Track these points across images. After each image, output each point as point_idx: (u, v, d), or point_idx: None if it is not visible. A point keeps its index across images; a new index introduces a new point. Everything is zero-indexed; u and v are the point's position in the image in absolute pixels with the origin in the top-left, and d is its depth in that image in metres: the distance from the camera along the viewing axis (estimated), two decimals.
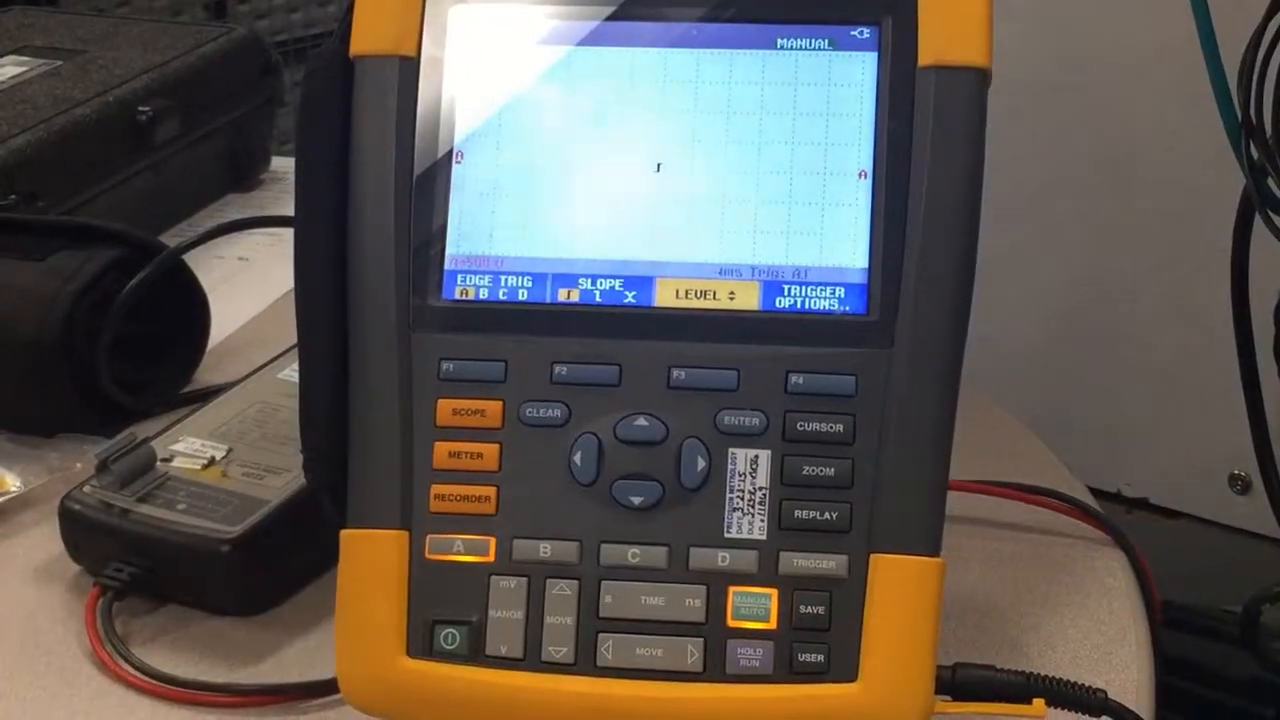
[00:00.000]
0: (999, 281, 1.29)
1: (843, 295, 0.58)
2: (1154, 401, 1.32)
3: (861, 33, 0.59)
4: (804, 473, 0.57)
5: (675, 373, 0.58)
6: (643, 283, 0.59)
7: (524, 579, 0.57)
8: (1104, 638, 0.69)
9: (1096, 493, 0.83)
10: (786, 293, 0.58)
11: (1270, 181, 0.78)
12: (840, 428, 0.57)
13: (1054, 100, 1.31)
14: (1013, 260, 1.33)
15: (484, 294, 0.59)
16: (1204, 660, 1.07)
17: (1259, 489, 0.94)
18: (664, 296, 0.59)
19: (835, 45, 0.59)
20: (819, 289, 0.58)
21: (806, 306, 0.58)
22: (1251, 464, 0.92)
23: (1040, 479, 0.78)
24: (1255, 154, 0.77)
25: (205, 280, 0.89)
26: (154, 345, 0.87)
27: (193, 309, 0.89)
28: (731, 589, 0.57)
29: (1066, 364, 1.37)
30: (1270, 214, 0.78)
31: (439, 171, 0.60)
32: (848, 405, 0.57)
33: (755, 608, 0.56)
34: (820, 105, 0.59)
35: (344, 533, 0.59)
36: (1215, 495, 1.29)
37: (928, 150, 0.57)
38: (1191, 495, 1.31)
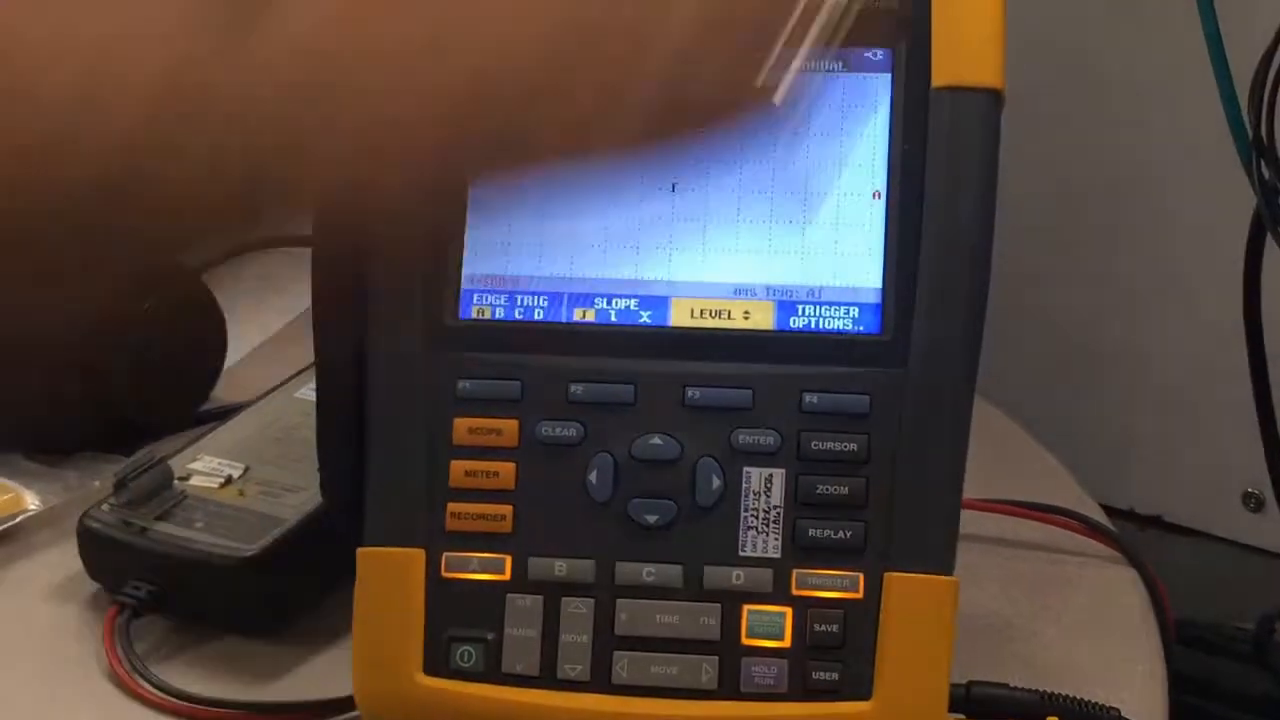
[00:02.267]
0: (1011, 298, 1.29)
1: (857, 315, 0.58)
2: (1167, 419, 1.32)
3: (875, 54, 0.59)
4: (818, 492, 0.57)
5: (690, 392, 0.58)
6: (658, 302, 0.59)
7: (540, 597, 0.57)
8: (1117, 656, 0.69)
9: (1109, 510, 0.83)
10: (801, 312, 0.59)
11: None
12: (854, 447, 0.57)
13: (1065, 119, 1.31)
14: (1025, 277, 1.34)
15: (500, 313, 0.60)
16: (1217, 678, 1.07)
17: (1272, 507, 0.94)
18: (679, 316, 0.59)
19: (849, 67, 0.59)
20: (833, 309, 0.58)
21: (821, 326, 0.58)
22: (1265, 482, 0.92)
23: (1053, 497, 0.78)
24: (1266, 173, 0.77)
25: (223, 299, 0.90)
26: (172, 364, 0.88)
27: (211, 328, 0.89)
28: (746, 607, 0.57)
29: (1079, 381, 1.37)
30: None
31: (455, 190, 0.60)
32: (862, 424, 0.57)
33: (770, 626, 0.57)
34: (835, 126, 0.59)
35: (361, 551, 0.59)
36: (1228, 513, 1.28)
37: (941, 171, 0.57)
38: (1204, 513, 1.31)
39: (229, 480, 0.73)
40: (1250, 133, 0.77)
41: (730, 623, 0.57)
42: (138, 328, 0.83)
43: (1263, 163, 0.78)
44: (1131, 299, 1.32)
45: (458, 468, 0.58)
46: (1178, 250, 1.28)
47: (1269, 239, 0.81)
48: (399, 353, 0.59)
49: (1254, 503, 1.27)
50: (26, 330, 0.77)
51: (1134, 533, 1.31)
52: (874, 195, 0.58)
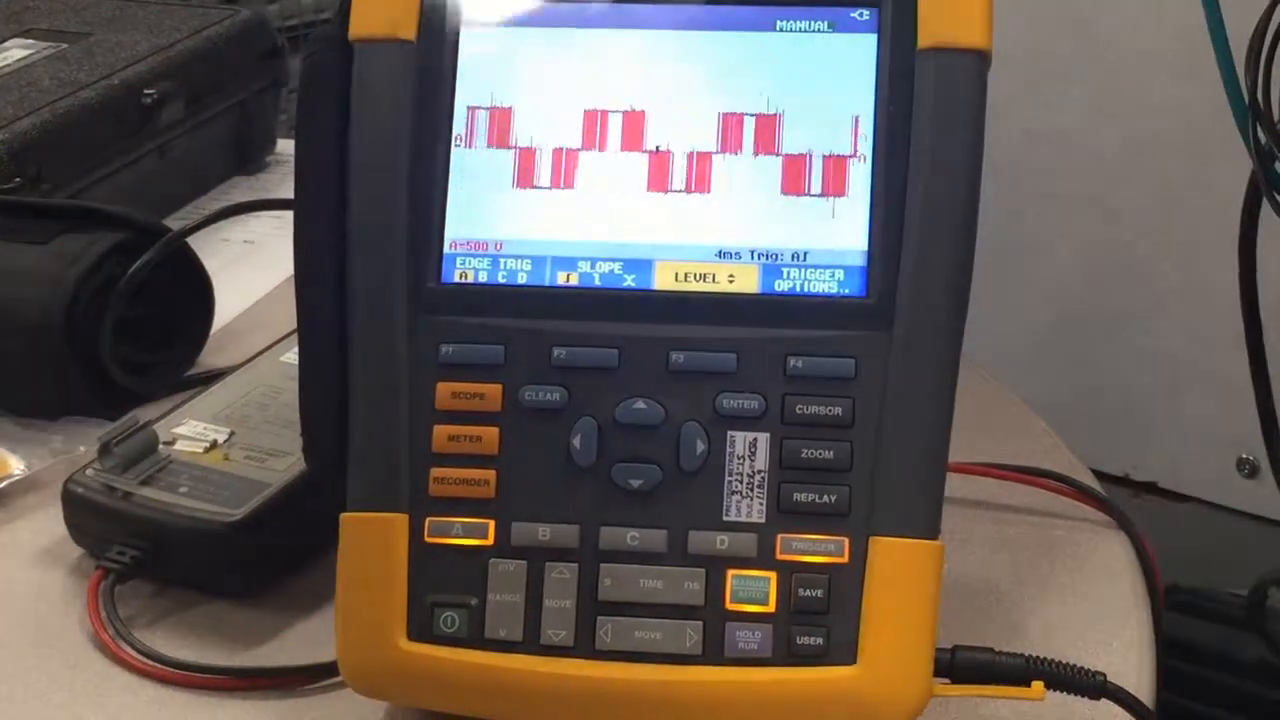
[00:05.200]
0: (1008, 266, 1.29)
1: (842, 278, 0.58)
2: (1162, 385, 1.32)
3: (861, 14, 0.59)
4: (803, 456, 0.57)
5: (674, 356, 0.58)
6: (642, 265, 0.59)
7: (523, 562, 0.57)
8: (1105, 621, 0.69)
9: (1105, 476, 0.83)
10: (786, 275, 0.58)
11: (1278, 165, 0.77)
12: (839, 410, 0.57)
13: (1062, 84, 1.30)
14: (1021, 244, 1.33)
15: (483, 277, 0.59)
16: (1211, 643, 1.07)
17: (1267, 473, 0.94)
18: (663, 279, 0.59)
19: (835, 27, 0.59)
20: (818, 272, 0.58)
21: (806, 289, 0.58)
22: (1259, 448, 0.92)
23: (1043, 461, 0.78)
24: (1263, 138, 0.77)
25: (210, 263, 0.89)
26: (158, 328, 0.87)
27: (197, 292, 0.89)
28: (730, 572, 0.57)
29: (1075, 348, 1.37)
30: (1278, 197, 0.78)
31: (438, 155, 0.60)
32: (847, 388, 0.57)
33: (754, 591, 0.56)
34: (820, 86, 0.59)
35: (344, 516, 0.59)
36: (1223, 479, 1.29)
37: (927, 133, 0.57)
38: (1199, 479, 1.31)
39: (214, 445, 0.73)
40: (1246, 97, 0.77)
41: (714, 587, 0.57)
42: (123, 292, 0.83)
43: (1259, 127, 0.77)
44: (1126, 264, 1.32)
45: (440, 432, 0.58)
46: (1174, 216, 1.28)
47: (1265, 204, 0.81)
48: (381, 317, 0.59)
49: (1248, 469, 1.27)
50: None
51: (1129, 498, 1.31)
52: (859, 158, 0.58)
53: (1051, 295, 1.37)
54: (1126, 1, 1.27)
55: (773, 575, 0.56)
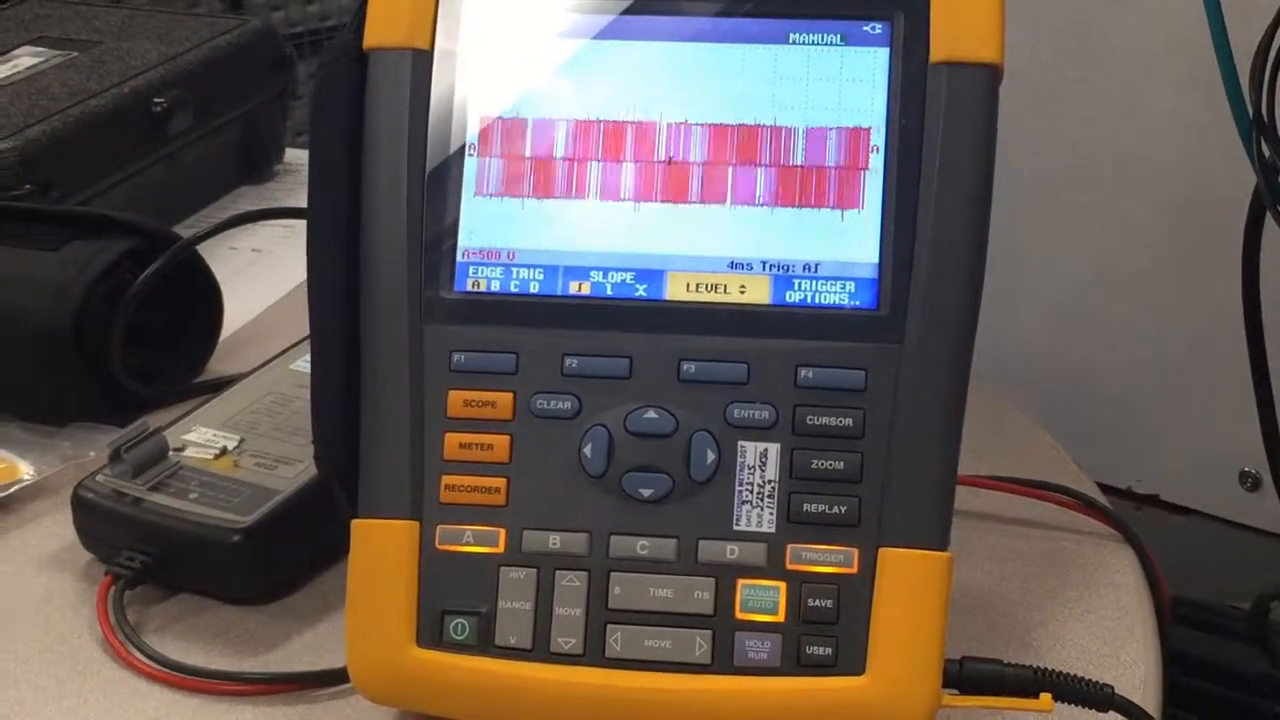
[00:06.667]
0: (1011, 277, 1.29)
1: (853, 290, 0.58)
2: (1165, 398, 1.32)
3: (874, 28, 0.59)
4: (813, 466, 0.57)
5: (685, 365, 0.58)
6: (654, 276, 0.59)
7: (533, 570, 0.57)
8: (1112, 633, 0.69)
9: (1107, 489, 0.83)
10: (797, 287, 0.58)
11: None
12: (850, 422, 0.57)
13: (1067, 96, 1.31)
14: (1024, 256, 1.33)
15: (495, 286, 0.60)
16: (1213, 656, 1.07)
17: (1269, 486, 0.94)
18: (675, 290, 0.59)
19: (847, 40, 0.59)
20: (830, 284, 0.58)
21: (817, 301, 0.58)
22: (1262, 461, 0.92)
23: (1049, 474, 0.78)
24: (1266, 151, 0.77)
25: (219, 271, 0.90)
26: (167, 335, 0.88)
27: (206, 299, 0.89)
28: (740, 581, 0.57)
29: (1078, 360, 1.37)
30: None
31: (452, 164, 0.60)
32: (857, 400, 0.57)
33: (763, 600, 0.57)
34: (832, 99, 0.59)
35: (355, 522, 0.59)
36: (1225, 492, 1.29)
37: (939, 146, 0.57)
38: (1202, 492, 1.31)
39: (224, 451, 0.73)
40: (1250, 111, 0.77)
41: (724, 597, 0.57)
42: (134, 299, 0.83)
43: (1263, 141, 0.77)
44: (1129, 276, 1.32)
45: (452, 440, 0.58)
46: (1177, 229, 1.28)
47: (1268, 218, 0.81)
48: (394, 325, 0.59)
49: (1250, 482, 1.27)
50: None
51: (1131, 511, 1.31)
52: (871, 170, 0.58)
53: (1054, 307, 1.38)
54: (1130, 15, 1.27)
55: (782, 585, 0.57)
